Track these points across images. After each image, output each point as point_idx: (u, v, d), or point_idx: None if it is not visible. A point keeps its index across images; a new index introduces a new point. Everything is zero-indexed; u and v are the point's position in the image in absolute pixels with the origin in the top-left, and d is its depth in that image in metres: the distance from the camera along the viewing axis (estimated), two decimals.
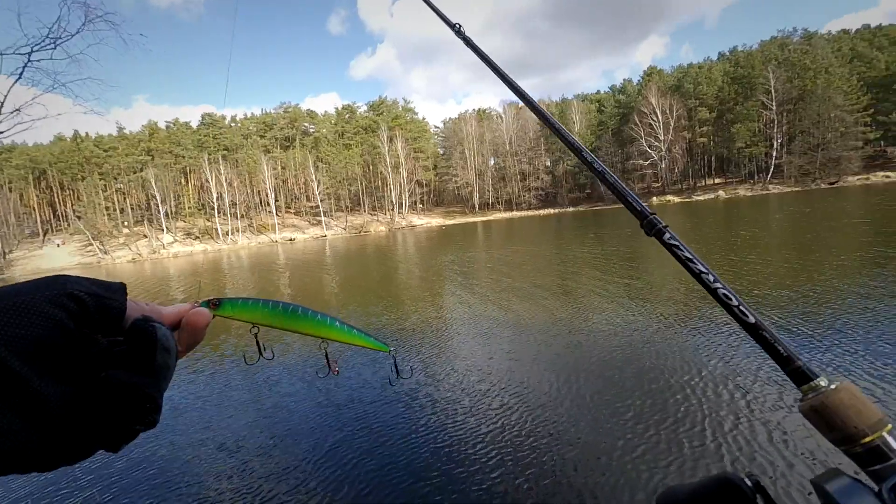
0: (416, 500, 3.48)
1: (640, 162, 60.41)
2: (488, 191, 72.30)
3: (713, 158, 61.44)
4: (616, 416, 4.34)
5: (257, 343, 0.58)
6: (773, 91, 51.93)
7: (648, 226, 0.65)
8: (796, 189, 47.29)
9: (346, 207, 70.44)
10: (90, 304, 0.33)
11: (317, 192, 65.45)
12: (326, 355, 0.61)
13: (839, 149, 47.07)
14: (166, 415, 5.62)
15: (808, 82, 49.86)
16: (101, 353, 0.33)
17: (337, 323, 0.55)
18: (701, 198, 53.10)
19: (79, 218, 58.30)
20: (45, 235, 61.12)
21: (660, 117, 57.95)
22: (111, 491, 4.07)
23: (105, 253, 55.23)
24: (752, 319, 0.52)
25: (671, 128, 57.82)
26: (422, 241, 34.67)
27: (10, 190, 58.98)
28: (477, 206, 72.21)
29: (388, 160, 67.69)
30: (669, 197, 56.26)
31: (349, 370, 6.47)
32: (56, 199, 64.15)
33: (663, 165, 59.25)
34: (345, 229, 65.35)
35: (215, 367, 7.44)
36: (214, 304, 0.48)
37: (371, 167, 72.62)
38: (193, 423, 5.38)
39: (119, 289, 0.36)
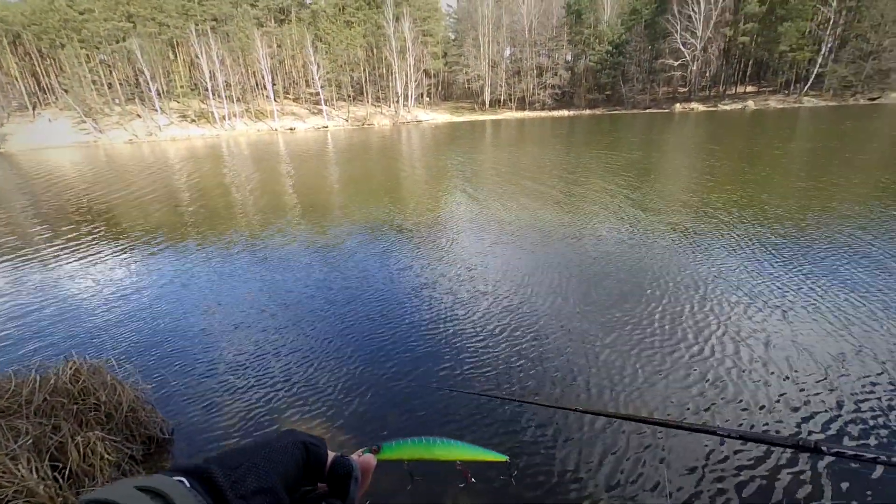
0: (412, 367, 3.93)
1: (670, 62, 55.02)
2: (501, 86, 67.09)
3: (750, 63, 55.82)
4: (604, 313, 4.67)
5: (411, 476, 0.72)
6: None
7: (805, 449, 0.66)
8: (832, 103, 43.94)
9: (349, 97, 66.07)
10: (311, 450, 0.47)
11: (316, 78, 60.77)
12: (464, 472, 0.70)
13: (893, 59, 42.53)
14: (210, 294, 6.02)
15: None
16: (311, 491, 0.47)
17: (464, 445, 0.64)
18: (727, 108, 49.58)
19: (66, 91, 54.98)
20: (34, 109, 58.29)
21: (702, 8, 51.20)
22: (162, 342, 4.56)
23: (100, 132, 53.36)
24: None
25: (712, 22, 51.46)
26: (428, 139, 33.34)
27: None
28: (487, 103, 67.77)
29: (393, 43, 61.44)
30: (694, 105, 52.51)
31: (364, 260, 6.76)
32: (38, 69, 59.68)
33: (694, 67, 54.09)
34: (347, 121, 62.21)
35: (223, 254, 7.74)
36: (375, 450, 0.59)
37: (375, 51, 66.25)
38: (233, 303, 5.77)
39: (323, 441, 0.50)
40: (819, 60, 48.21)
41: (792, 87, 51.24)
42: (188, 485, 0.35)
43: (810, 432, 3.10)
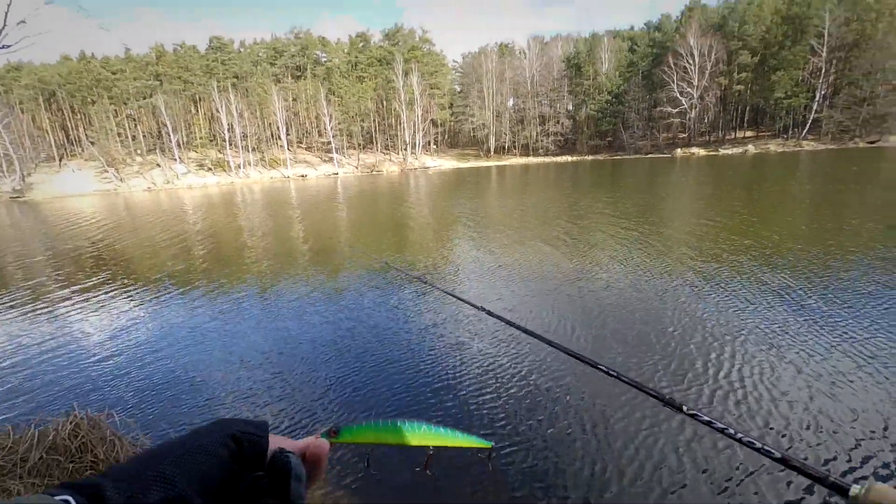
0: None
1: (669, 109, 57.03)
2: (505, 134, 69.64)
3: (747, 109, 57.71)
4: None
5: (367, 462, 0.69)
6: (826, 34, 47.30)
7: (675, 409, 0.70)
8: (831, 147, 44.72)
9: (359, 145, 68.85)
10: (244, 442, 0.42)
11: (329, 128, 63.74)
12: (428, 458, 0.61)
13: (887, 104, 43.71)
14: (193, 338, 5.96)
15: (868, 26, 45.16)
16: (249, 486, 0.41)
17: (441, 430, 0.58)
18: (728, 151, 50.66)
19: (92, 143, 58.12)
20: (60, 160, 61.39)
21: (696, 60, 53.75)
22: (148, 393, 4.44)
23: (121, 181, 55.67)
24: (778, 454, 0.57)
25: (707, 72, 53.81)
26: (435, 184, 34.19)
27: (22, 111, 58.38)
28: (492, 150, 70.04)
29: (402, 96, 64.79)
30: (695, 149, 53.75)
31: (379, 311, 6.69)
32: (68, 123, 63.53)
33: (693, 114, 55.94)
34: (356, 168, 64.42)
35: (234, 301, 7.74)
36: (334, 433, 0.53)
37: (385, 103, 69.82)
38: (216, 342, 5.69)
39: (263, 426, 0.44)
40: (815, 106, 49.69)
41: (790, 132, 52.48)
42: None
43: None
